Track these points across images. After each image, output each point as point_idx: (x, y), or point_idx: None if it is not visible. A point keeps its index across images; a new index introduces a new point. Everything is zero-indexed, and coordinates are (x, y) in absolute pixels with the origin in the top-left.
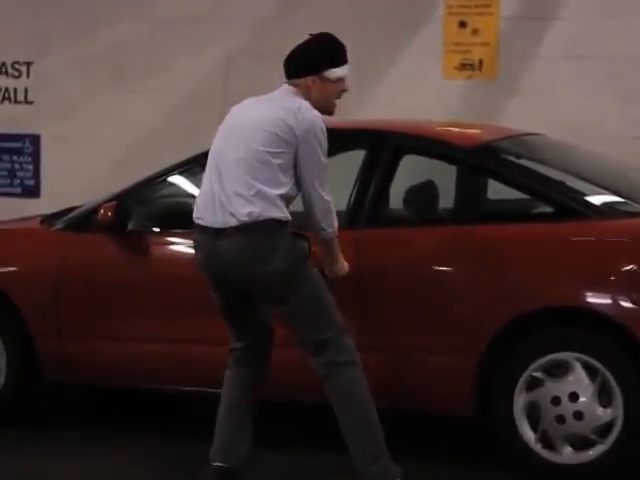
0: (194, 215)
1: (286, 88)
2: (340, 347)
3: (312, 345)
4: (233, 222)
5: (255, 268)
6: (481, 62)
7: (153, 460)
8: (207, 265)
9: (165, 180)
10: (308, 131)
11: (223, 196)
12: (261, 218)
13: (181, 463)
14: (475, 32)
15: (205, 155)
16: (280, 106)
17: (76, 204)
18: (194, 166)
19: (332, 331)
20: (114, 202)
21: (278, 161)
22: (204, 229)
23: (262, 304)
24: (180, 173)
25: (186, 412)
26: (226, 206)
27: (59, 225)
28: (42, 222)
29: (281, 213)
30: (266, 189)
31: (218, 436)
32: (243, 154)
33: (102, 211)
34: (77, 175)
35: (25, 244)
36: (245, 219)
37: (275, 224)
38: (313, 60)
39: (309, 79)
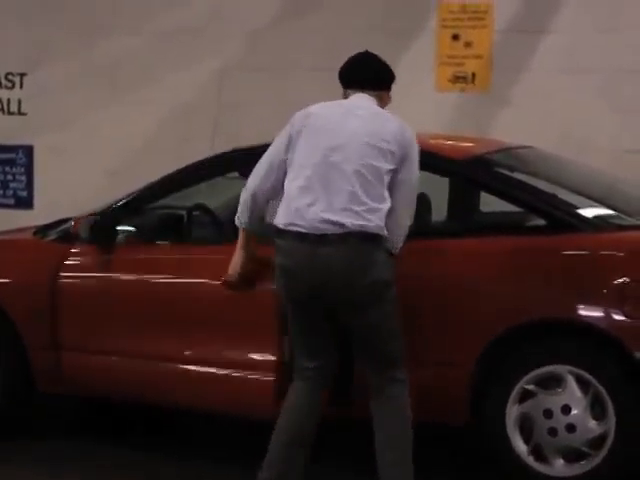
0: (283, 221)
1: (369, 98)
2: (402, 365)
3: (384, 358)
4: (340, 230)
5: (360, 277)
6: (474, 75)
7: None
8: (300, 273)
9: (157, 191)
10: (413, 150)
11: (331, 205)
12: (369, 230)
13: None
14: (468, 45)
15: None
16: (386, 119)
17: (69, 215)
18: (184, 177)
19: (401, 347)
20: (86, 215)
21: (388, 178)
22: (302, 236)
23: (347, 316)
24: (169, 185)
25: (187, 426)
26: (334, 215)
27: (52, 236)
28: (35, 233)
29: (383, 228)
30: (375, 204)
31: (273, 464)
32: (359, 168)
33: (72, 223)
34: (71, 186)
35: (18, 255)
36: (355, 229)
37: (379, 237)
38: (391, 76)
39: (387, 93)
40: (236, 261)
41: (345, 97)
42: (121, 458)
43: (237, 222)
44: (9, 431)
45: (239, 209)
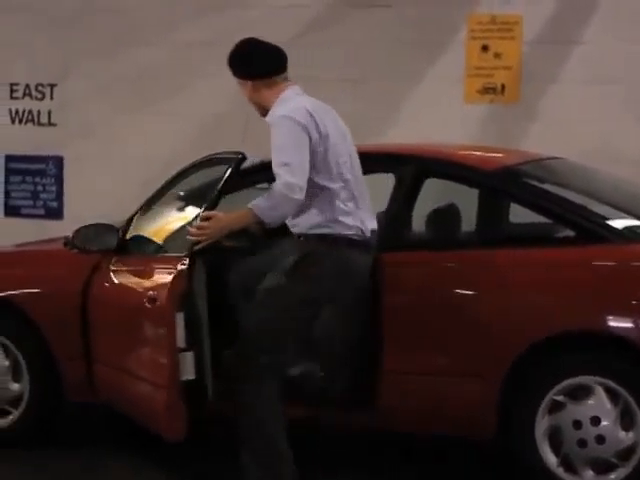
0: (349, 231)
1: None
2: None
3: None
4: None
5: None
6: (503, 86)
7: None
8: (354, 276)
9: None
10: None
11: (369, 212)
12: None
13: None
14: (497, 56)
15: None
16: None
17: None
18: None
19: None
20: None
21: None
22: (364, 244)
23: (341, 318)
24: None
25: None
26: (372, 223)
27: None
28: (65, 244)
29: None
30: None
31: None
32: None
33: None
34: (100, 197)
35: (48, 266)
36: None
37: None
38: None
39: None
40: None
41: (269, 87)
42: (148, 468)
43: (270, 218)
44: (39, 440)
45: (278, 203)
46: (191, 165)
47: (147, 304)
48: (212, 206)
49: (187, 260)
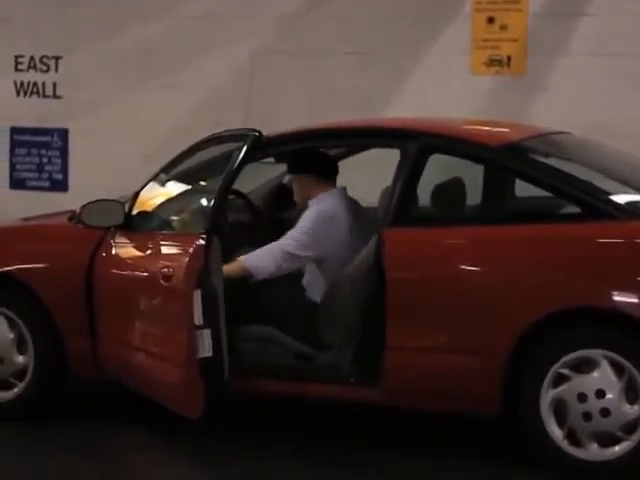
0: None
1: None
2: None
3: None
4: None
5: None
6: (509, 58)
7: (177, 459)
8: None
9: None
10: None
11: None
12: None
13: (206, 461)
14: (503, 28)
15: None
16: None
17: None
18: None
19: None
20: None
21: None
22: None
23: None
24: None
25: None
26: None
27: None
28: (70, 218)
29: None
30: None
31: None
32: None
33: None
34: (105, 169)
35: (54, 241)
36: None
37: None
38: None
39: None
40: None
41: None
42: (145, 441)
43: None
44: (44, 414)
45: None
46: (203, 140)
47: (162, 281)
48: (229, 183)
49: (204, 236)
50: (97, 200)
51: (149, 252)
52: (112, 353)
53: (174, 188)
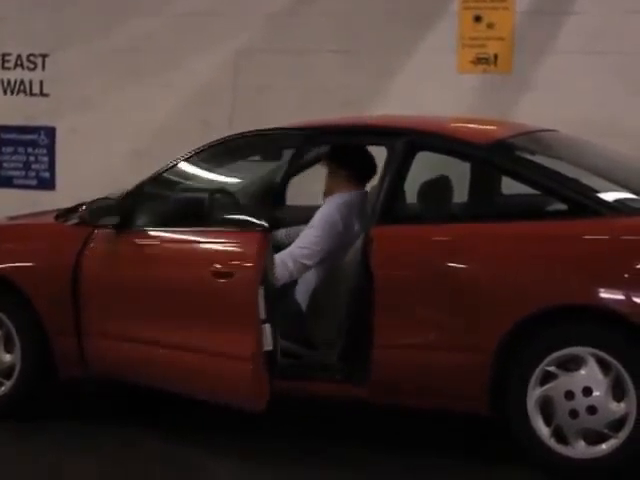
0: None
1: None
2: None
3: None
4: None
5: None
6: (496, 56)
7: (168, 457)
8: None
9: (164, 178)
10: None
11: None
12: None
13: (199, 460)
14: (490, 26)
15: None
16: None
17: (91, 196)
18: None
19: None
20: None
21: None
22: None
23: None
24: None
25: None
26: None
27: (74, 220)
28: (57, 217)
29: None
30: None
31: None
32: None
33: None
34: (92, 168)
35: (40, 240)
36: None
37: None
38: None
39: None
40: None
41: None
42: (130, 437)
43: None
44: (29, 414)
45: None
46: (226, 139)
47: (216, 278)
48: (284, 183)
49: (265, 233)
50: (99, 199)
51: (190, 249)
52: (124, 353)
53: (196, 184)
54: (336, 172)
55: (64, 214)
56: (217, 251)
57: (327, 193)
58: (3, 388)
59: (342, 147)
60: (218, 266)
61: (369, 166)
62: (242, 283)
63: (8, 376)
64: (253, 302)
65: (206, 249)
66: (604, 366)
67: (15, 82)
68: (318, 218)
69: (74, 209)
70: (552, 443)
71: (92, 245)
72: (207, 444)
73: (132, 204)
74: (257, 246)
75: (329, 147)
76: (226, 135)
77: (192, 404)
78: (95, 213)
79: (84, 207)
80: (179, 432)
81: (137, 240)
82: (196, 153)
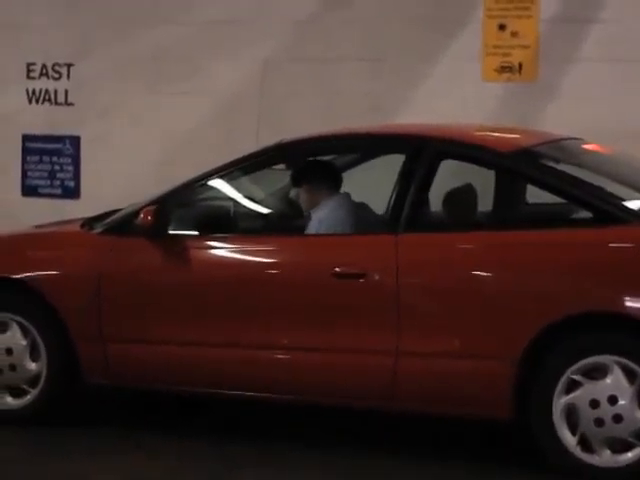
0: None
1: None
2: None
3: None
4: None
5: None
6: (520, 65)
7: (187, 464)
8: None
9: (205, 184)
10: None
11: None
12: None
13: (219, 468)
14: (514, 35)
15: (245, 159)
16: None
17: (116, 205)
18: (234, 170)
19: None
20: (154, 206)
21: None
22: None
23: None
24: (220, 177)
25: (226, 415)
26: None
27: (99, 228)
28: (83, 225)
29: None
30: None
31: None
32: None
33: (142, 215)
34: (117, 176)
35: (66, 248)
36: None
37: None
38: None
39: None
40: None
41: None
42: (155, 443)
43: None
44: (55, 421)
45: None
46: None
47: (357, 279)
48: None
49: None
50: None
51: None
52: (146, 356)
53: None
54: (306, 191)
55: (90, 222)
56: (345, 253)
57: (310, 208)
58: (29, 396)
59: (297, 168)
60: (340, 269)
61: (329, 172)
62: (378, 285)
63: (34, 384)
64: (391, 304)
65: (329, 252)
66: (629, 374)
67: (40, 91)
68: (309, 229)
69: (100, 217)
70: (577, 451)
71: (116, 252)
72: (226, 454)
73: (175, 210)
74: (393, 248)
75: (293, 169)
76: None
77: (212, 410)
78: (122, 221)
79: (112, 215)
80: (193, 442)
81: (167, 246)
82: (236, 162)
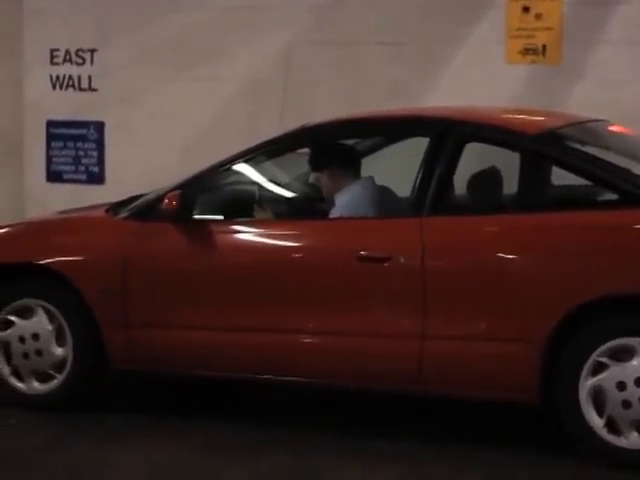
0: None
1: None
2: None
3: None
4: None
5: None
6: (545, 47)
7: (214, 449)
8: None
9: (230, 168)
10: None
11: None
12: None
13: (240, 451)
14: (538, 17)
15: (268, 143)
16: None
17: (140, 190)
18: (258, 154)
19: None
20: (179, 191)
21: None
22: None
23: None
24: (245, 161)
25: (247, 399)
26: None
27: (124, 214)
28: (107, 211)
29: None
30: None
31: None
32: None
33: (167, 200)
34: (141, 162)
35: (91, 233)
36: None
37: None
38: None
39: None
40: None
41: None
42: (181, 427)
43: None
44: (82, 406)
45: None
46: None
47: (382, 263)
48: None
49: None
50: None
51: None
52: (173, 341)
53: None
54: (326, 176)
55: (115, 208)
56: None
57: (331, 196)
58: (55, 381)
59: (315, 152)
60: (363, 252)
61: (349, 155)
62: (404, 268)
63: (60, 369)
64: (413, 286)
65: (353, 235)
66: None
67: (64, 77)
68: (332, 214)
69: (125, 203)
70: (604, 434)
71: (141, 237)
72: (250, 437)
73: (199, 195)
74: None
75: (313, 154)
76: (275, 129)
77: (236, 394)
78: (147, 206)
79: (137, 200)
80: (221, 426)
81: (192, 231)
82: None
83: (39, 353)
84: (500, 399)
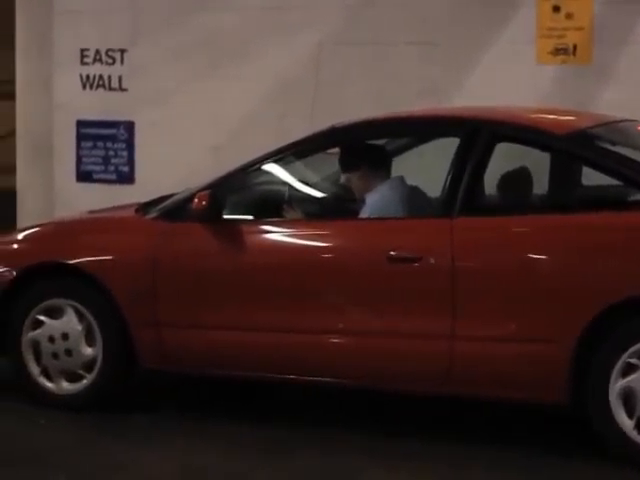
0: None
1: None
2: None
3: None
4: None
5: None
6: (575, 47)
7: (241, 449)
8: None
9: (259, 168)
10: None
11: None
12: None
13: (268, 452)
14: (569, 16)
15: (298, 143)
16: None
17: (170, 190)
18: (288, 154)
19: None
20: (209, 190)
21: None
22: None
23: None
24: (274, 161)
25: (275, 400)
26: None
27: (154, 214)
28: (137, 210)
29: None
30: None
31: None
32: None
33: (197, 200)
34: (171, 162)
35: (120, 233)
36: None
37: None
38: None
39: None
40: None
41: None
42: (209, 427)
43: None
44: (109, 406)
45: None
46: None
47: (412, 263)
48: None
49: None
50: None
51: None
52: (202, 341)
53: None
54: (357, 176)
55: (144, 207)
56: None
57: (364, 193)
58: (85, 381)
59: (345, 152)
60: (394, 253)
61: (379, 155)
62: (436, 268)
63: (90, 369)
64: (445, 287)
65: (385, 235)
66: None
67: (94, 77)
68: (370, 211)
69: (154, 202)
70: (635, 435)
71: (170, 237)
72: (274, 437)
73: (229, 195)
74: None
75: (343, 155)
76: (306, 128)
77: (262, 394)
78: (177, 205)
79: (166, 200)
80: (245, 427)
81: (222, 231)
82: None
83: (69, 353)
84: (530, 400)
